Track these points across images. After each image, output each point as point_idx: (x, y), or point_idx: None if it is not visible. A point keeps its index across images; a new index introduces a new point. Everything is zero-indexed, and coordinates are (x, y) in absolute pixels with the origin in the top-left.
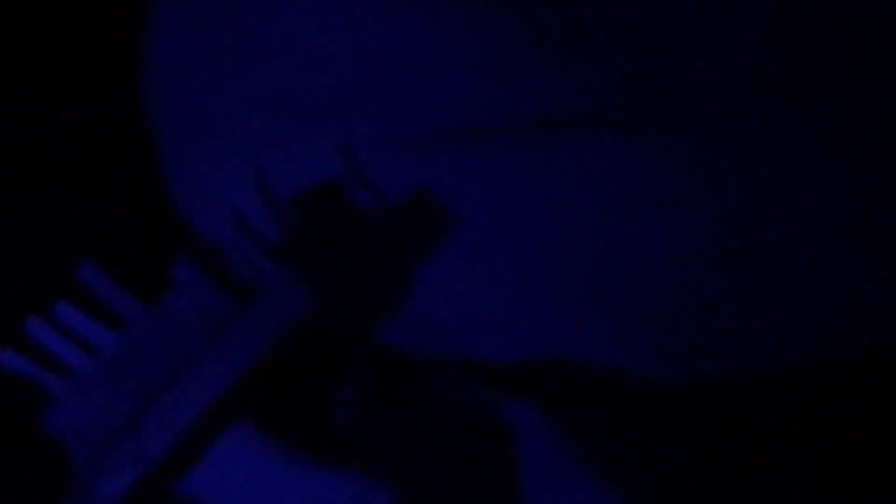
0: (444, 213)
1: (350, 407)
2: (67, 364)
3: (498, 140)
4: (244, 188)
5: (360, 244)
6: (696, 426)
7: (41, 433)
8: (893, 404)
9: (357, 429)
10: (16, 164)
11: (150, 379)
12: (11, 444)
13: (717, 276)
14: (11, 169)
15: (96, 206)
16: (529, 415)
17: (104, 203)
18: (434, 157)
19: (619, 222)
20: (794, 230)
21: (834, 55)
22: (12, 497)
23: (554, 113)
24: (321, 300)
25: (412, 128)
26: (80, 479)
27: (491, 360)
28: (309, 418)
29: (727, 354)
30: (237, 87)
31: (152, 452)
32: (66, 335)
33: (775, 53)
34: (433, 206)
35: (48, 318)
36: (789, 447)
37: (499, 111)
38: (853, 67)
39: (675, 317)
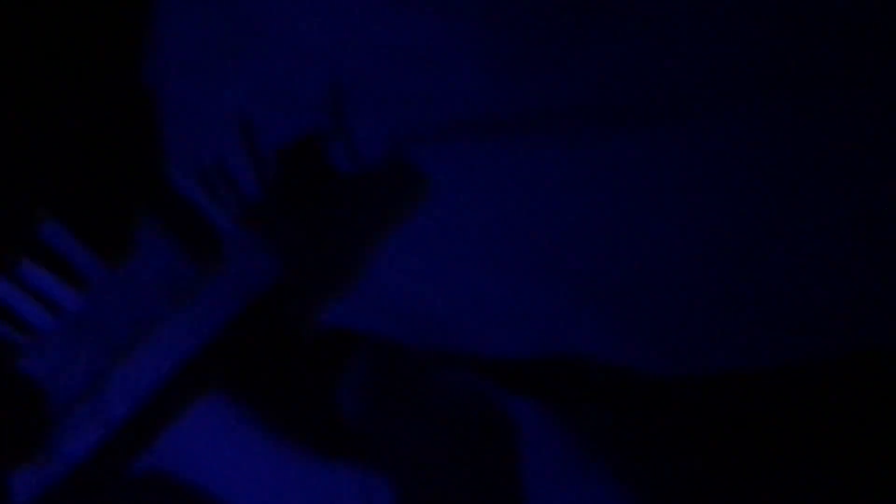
0: (448, 208)
1: (353, 402)
2: (32, 323)
3: (501, 135)
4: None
5: (340, 214)
6: (698, 422)
7: (5, 389)
8: (893, 404)
9: (360, 424)
10: (18, 157)
11: (114, 341)
12: None
13: (720, 273)
14: (14, 163)
15: (98, 199)
16: (532, 410)
17: (106, 197)
18: (437, 153)
19: (622, 218)
20: (795, 227)
21: (836, 52)
22: None
23: (558, 108)
24: (289, 270)
25: (416, 122)
26: (42, 437)
27: (494, 356)
28: (312, 413)
29: (730, 351)
30: (241, 81)
31: (115, 415)
32: (31, 294)
33: (777, 50)
34: (435, 201)
35: (13, 277)
36: (790, 443)
37: (502, 106)
38: (854, 65)
39: (678, 313)
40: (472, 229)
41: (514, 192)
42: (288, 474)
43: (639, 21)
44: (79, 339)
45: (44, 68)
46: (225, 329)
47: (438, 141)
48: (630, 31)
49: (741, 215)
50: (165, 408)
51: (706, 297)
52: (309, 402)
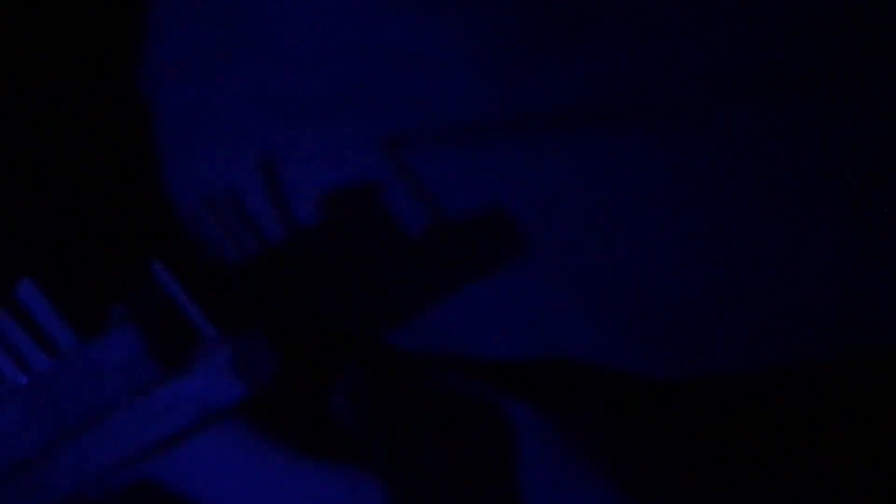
0: (445, 210)
1: (346, 404)
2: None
3: (498, 137)
4: (243, 181)
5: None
6: (695, 423)
7: None
8: (893, 404)
9: (352, 425)
10: (12, 157)
11: (70, 416)
12: None
13: (718, 275)
14: (8, 163)
15: (92, 198)
16: (529, 412)
17: (100, 195)
18: (434, 154)
19: (620, 219)
20: (794, 229)
21: (833, 54)
22: None
23: (554, 111)
24: (253, 390)
25: (413, 124)
26: None
27: (491, 358)
28: (305, 414)
29: (729, 352)
30: (236, 83)
31: (58, 489)
32: (3, 344)
33: (775, 52)
34: (434, 203)
35: None
36: (789, 444)
37: (499, 109)
38: (852, 66)
39: (677, 314)
40: (468, 231)
41: (511, 193)
42: (280, 472)
43: (634, 23)
44: (37, 405)
45: (39, 75)
46: (176, 437)
47: (435, 143)
48: (626, 34)
49: (740, 217)
50: (106, 487)
51: (705, 298)
52: (302, 404)
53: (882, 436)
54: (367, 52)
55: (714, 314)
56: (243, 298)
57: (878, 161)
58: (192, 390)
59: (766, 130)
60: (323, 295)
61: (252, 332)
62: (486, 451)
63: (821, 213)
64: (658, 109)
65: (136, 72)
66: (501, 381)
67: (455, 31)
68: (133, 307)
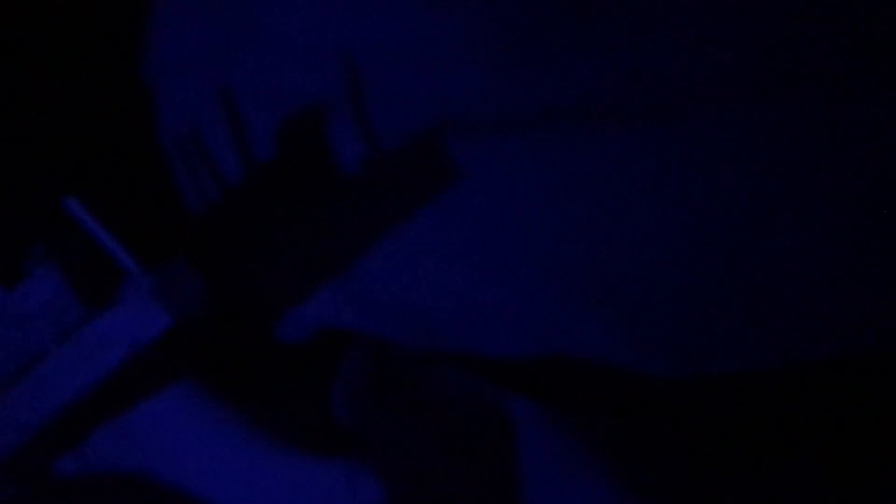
0: (446, 207)
1: (345, 399)
2: None
3: (501, 134)
4: (249, 181)
5: (336, 213)
6: (696, 422)
7: None
8: (893, 404)
9: (351, 421)
10: (16, 155)
11: None
12: None
13: (720, 274)
14: (11, 162)
15: (96, 196)
16: (530, 410)
17: (104, 194)
18: (437, 150)
19: (622, 218)
20: (796, 229)
21: (834, 52)
22: None
23: (558, 107)
24: (178, 318)
25: (418, 121)
26: None
27: (491, 356)
28: (302, 410)
29: (729, 352)
30: (240, 81)
31: None
32: None
33: (775, 51)
34: (436, 200)
35: None
36: (789, 444)
37: (503, 105)
38: (853, 65)
39: (678, 314)
40: (471, 228)
41: (514, 191)
42: (276, 467)
43: (639, 22)
44: None
45: (39, 66)
46: (107, 376)
47: (438, 140)
48: (630, 32)
49: (744, 215)
50: (44, 444)
51: (706, 298)
52: (300, 399)
53: (882, 436)
54: (372, 48)
55: (715, 314)
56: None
57: (882, 160)
58: (119, 326)
59: (772, 129)
60: (319, 290)
61: (175, 262)
62: (485, 449)
63: (824, 215)
64: (664, 107)
65: (139, 67)
66: (502, 379)
67: (460, 28)
68: (52, 248)
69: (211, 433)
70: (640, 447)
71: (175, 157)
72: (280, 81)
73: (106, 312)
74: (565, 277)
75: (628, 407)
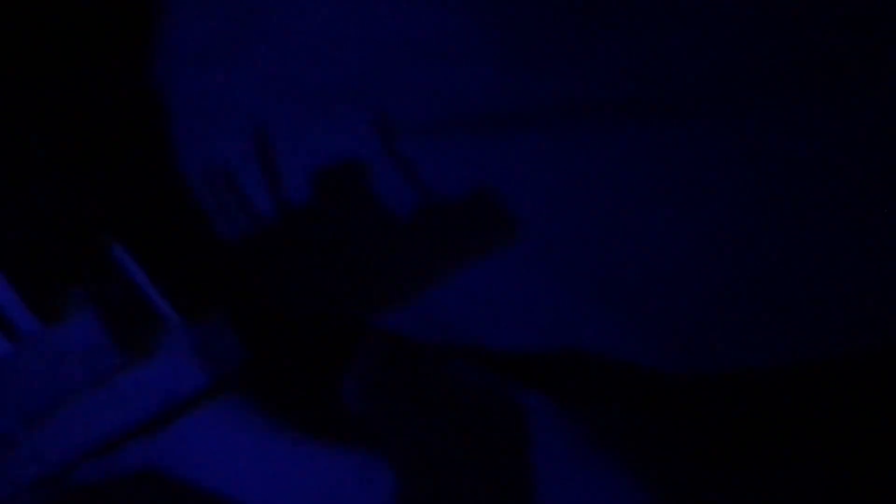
0: (457, 202)
1: (357, 391)
2: None
3: (513, 128)
4: (254, 168)
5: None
6: (704, 415)
7: None
8: (894, 404)
9: (363, 413)
10: (30, 144)
11: (29, 402)
12: None
13: (727, 270)
14: (25, 149)
15: (110, 183)
16: (540, 403)
17: (117, 180)
18: (449, 145)
19: (631, 214)
20: (801, 226)
21: (841, 51)
22: None
23: (568, 104)
24: (215, 377)
25: (429, 114)
26: None
27: (502, 350)
28: (316, 400)
29: (737, 348)
30: (249, 71)
31: (20, 479)
32: None
33: (784, 49)
34: (448, 195)
35: None
36: (794, 439)
37: (512, 102)
38: (861, 64)
39: (687, 310)
40: (481, 223)
41: (524, 186)
42: (289, 457)
43: (652, 19)
44: None
45: (50, 64)
46: (138, 425)
47: (447, 135)
48: (643, 28)
49: (748, 213)
50: (69, 476)
51: (714, 294)
52: (313, 391)
53: (882, 432)
54: (382, 42)
55: (723, 310)
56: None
57: (887, 160)
58: (155, 379)
59: (779, 127)
60: (333, 285)
61: (217, 318)
62: (497, 442)
63: (829, 213)
64: (672, 104)
65: (150, 59)
66: (513, 373)
67: (470, 24)
68: (94, 291)
69: (225, 423)
70: (649, 440)
71: (198, 175)
72: (295, 75)
73: (142, 362)
74: (576, 272)
75: (637, 400)
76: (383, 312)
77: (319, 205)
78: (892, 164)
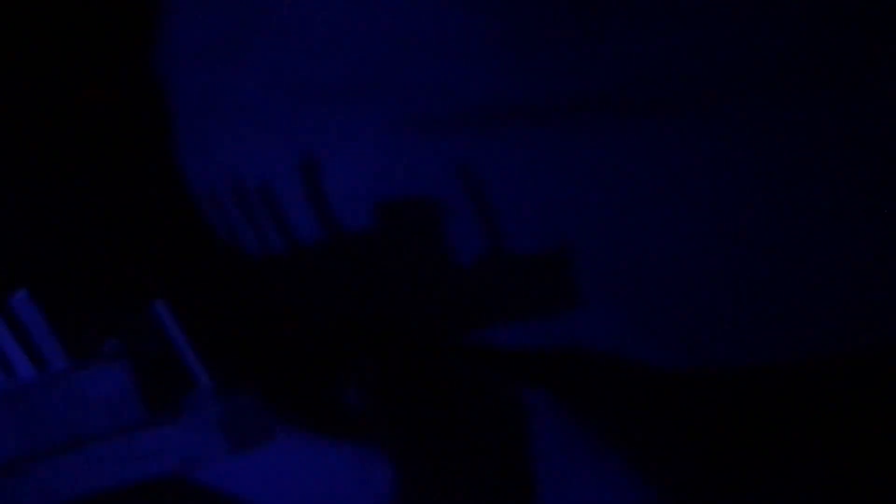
0: (460, 197)
1: (359, 387)
2: None
3: (513, 126)
4: (261, 169)
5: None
6: (704, 412)
7: None
8: (894, 403)
9: (365, 409)
10: (29, 144)
11: (48, 435)
12: None
13: (728, 267)
14: (25, 149)
15: (110, 183)
16: (541, 399)
17: (117, 181)
18: (453, 140)
19: (633, 210)
20: (803, 223)
21: (844, 50)
22: None
23: (570, 100)
24: (239, 450)
25: (431, 110)
26: None
27: (504, 346)
28: (317, 397)
29: (735, 344)
30: (255, 68)
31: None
32: None
33: (791, 47)
34: (447, 189)
35: None
36: (793, 436)
37: (516, 97)
38: (863, 63)
39: (688, 306)
40: (483, 218)
41: (526, 181)
42: (290, 456)
43: (653, 16)
44: (19, 415)
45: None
46: (154, 479)
47: (451, 130)
48: (648, 23)
49: (749, 213)
50: None
51: (714, 293)
52: (314, 388)
53: (882, 431)
54: (386, 37)
55: (724, 307)
56: (258, 297)
57: (887, 159)
58: (177, 441)
59: (780, 127)
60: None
61: (247, 390)
62: (498, 438)
63: (831, 212)
64: (675, 102)
65: (153, 54)
66: (514, 369)
67: (474, 20)
68: (128, 341)
69: None
70: (651, 436)
71: (206, 184)
72: (298, 70)
73: (168, 422)
74: (576, 268)
75: (639, 397)
76: (383, 311)
77: (334, 207)
78: (892, 164)
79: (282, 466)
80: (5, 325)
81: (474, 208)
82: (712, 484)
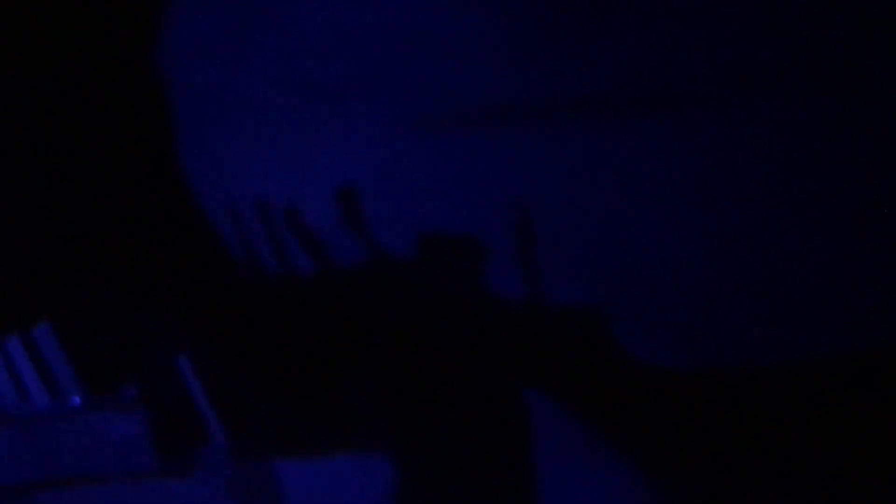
0: (461, 196)
1: (359, 385)
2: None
3: (516, 125)
4: (263, 170)
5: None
6: (704, 412)
7: None
8: (894, 403)
9: (364, 406)
10: (25, 141)
11: (57, 466)
12: None
13: (729, 268)
14: (21, 146)
15: (108, 183)
16: (542, 399)
17: (116, 181)
18: (454, 140)
19: (633, 210)
20: (804, 225)
21: (850, 51)
22: None
23: (573, 99)
24: None
25: (433, 109)
26: None
27: (504, 345)
28: (315, 398)
29: (735, 344)
30: (257, 65)
31: None
32: (8, 371)
33: (791, 47)
34: (448, 189)
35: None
36: (793, 436)
37: (518, 96)
38: (863, 63)
39: (689, 306)
40: (484, 217)
41: (528, 182)
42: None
43: (653, 16)
44: (32, 442)
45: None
46: None
47: (454, 129)
48: (651, 23)
49: (749, 212)
50: None
51: (715, 291)
52: (314, 386)
53: (882, 431)
54: (389, 36)
55: (725, 308)
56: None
57: (888, 159)
58: (186, 494)
59: (780, 127)
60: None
61: (261, 457)
62: (497, 437)
63: (832, 212)
64: (676, 102)
65: (153, 53)
66: (514, 369)
67: (476, 17)
68: (149, 392)
69: None
70: (653, 438)
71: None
72: (301, 69)
73: (178, 473)
74: (575, 268)
75: (641, 398)
76: (383, 311)
77: (340, 209)
78: (892, 164)
79: (281, 466)
80: (26, 356)
81: (474, 206)
82: (712, 484)
